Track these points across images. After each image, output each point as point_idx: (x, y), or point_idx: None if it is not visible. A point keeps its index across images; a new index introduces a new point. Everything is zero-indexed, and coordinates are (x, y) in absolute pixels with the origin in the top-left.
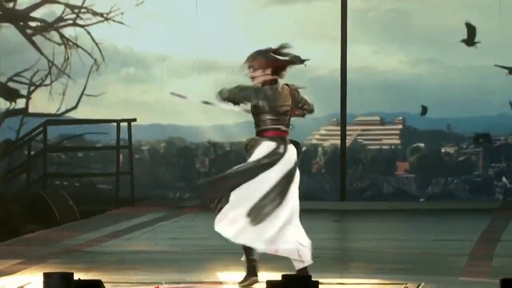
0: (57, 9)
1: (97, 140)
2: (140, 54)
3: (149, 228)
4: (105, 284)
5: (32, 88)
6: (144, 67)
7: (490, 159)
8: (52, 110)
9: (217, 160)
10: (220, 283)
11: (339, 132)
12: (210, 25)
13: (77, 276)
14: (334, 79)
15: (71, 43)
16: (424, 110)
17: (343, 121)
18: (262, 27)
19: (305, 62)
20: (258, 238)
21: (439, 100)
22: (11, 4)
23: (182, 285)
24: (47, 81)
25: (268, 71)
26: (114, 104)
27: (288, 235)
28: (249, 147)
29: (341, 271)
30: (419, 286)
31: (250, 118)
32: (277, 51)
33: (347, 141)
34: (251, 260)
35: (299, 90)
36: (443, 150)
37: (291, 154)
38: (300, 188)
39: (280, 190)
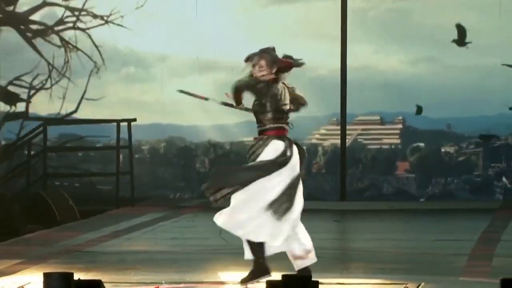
0: (57, 11)
1: (97, 140)
2: (140, 54)
3: (149, 228)
4: (105, 284)
5: (32, 91)
6: (144, 67)
7: (490, 159)
8: (52, 114)
9: (217, 160)
10: (220, 283)
11: (339, 132)
12: (210, 25)
13: (77, 276)
14: (334, 78)
15: (71, 46)
16: (419, 109)
17: (343, 121)
18: (262, 27)
19: (304, 65)
20: (278, 235)
21: (439, 99)
22: (11, 7)
23: (182, 285)
24: (47, 85)
25: (273, 70)
26: (114, 104)
27: (299, 235)
28: (258, 146)
29: (341, 271)
30: (419, 286)
31: (250, 118)
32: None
33: (347, 140)
34: (261, 258)
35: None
36: (443, 150)
37: (296, 154)
38: None
39: (292, 189)
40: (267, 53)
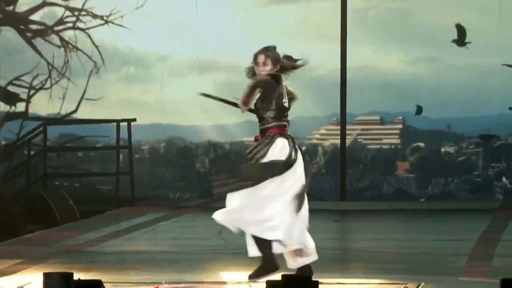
0: (57, 11)
1: (97, 140)
2: (140, 54)
3: (149, 228)
4: (105, 284)
5: (32, 91)
6: (144, 67)
7: (490, 159)
8: (52, 114)
9: (217, 160)
10: (220, 283)
11: (339, 132)
12: (210, 25)
13: (77, 276)
14: (334, 78)
15: (71, 46)
16: (419, 109)
17: (343, 121)
18: (262, 27)
19: (306, 63)
20: (294, 232)
21: (439, 99)
22: (11, 7)
23: (182, 285)
24: (47, 85)
25: (277, 68)
26: (114, 103)
27: (307, 234)
28: (263, 144)
29: (341, 271)
30: (419, 286)
31: (250, 118)
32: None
33: (347, 140)
34: (269, 253)
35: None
36: (443, 150)
37: (299, 152)
38: None
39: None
40: (271, 51)
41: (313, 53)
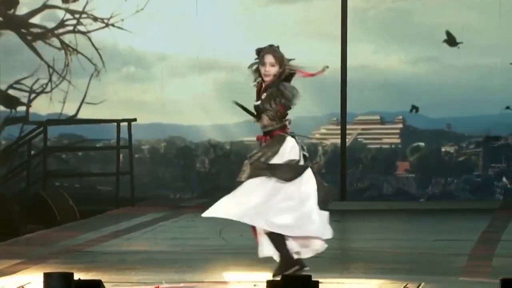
0: (57, 13)
1: (97, 140)
2: (140, 54)
3: (149, 228)
4: (105, 284)
5: (32, 95)
6: (144, 67)
7: (490, 159)
8: (53, 114)
9: (217, 160)
10: (221, 283)
11: (339, 132)
12: (210, 25)
13: (77, 276)
14: (334, 78)
15: (71, 49)
16: (416, 109)
17: (343, 121)
18: (262, 26)
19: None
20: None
21: (439, 99)
22: (11, 10)
23: (182, 285)
24: (48, 88)
25: (281, 70)
26: (114, 103)
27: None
28: (273, 144)
29: (341, 271)
30: (419, 286)
31: (250, 117)
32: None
33: (347, 140)
34: (287, 251)
35: None
36: (443, 150)
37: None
38: None
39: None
40: (278, 52)
41: (313, 53)
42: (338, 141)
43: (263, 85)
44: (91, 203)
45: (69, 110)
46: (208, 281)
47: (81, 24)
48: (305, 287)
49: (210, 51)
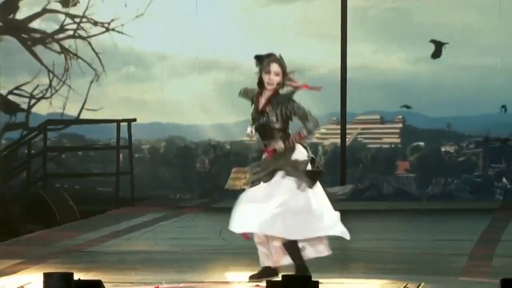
0: (57, 17)
1: (97, 139)
2: (140, 54)
3: (149, 228)
4: (105, 284)
5: (32, 101)
6: (144, 67)
7: (490, 160)
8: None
9: (217, 160)
10: (221, 283)
11: (339, 131)
12: (210, 24)
13: (77, 276)
14: (334, 78)
15: (71, 54)
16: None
17: (343, 120)
18: (262, 26)
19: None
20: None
21: (439, 99)
22: (11, 15)
23: (182, 285)
24: (48, 94)
25: (283, 80)
26: (114, 103)
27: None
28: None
29: (341, 271)
30: (419, 286)
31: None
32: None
33: (347, 140)
34: (302, 261)
35: None
36: (443, 149)
37: None
38: None
39: None
40: (282, 62)
41: (313, 53)
42: (338, 140)
43: (264, 95)
44: (91, 203)
45: (69, 111)
46: (208, 281)
47: (81, 28)
48: (305, 287)
49: (210, 51)
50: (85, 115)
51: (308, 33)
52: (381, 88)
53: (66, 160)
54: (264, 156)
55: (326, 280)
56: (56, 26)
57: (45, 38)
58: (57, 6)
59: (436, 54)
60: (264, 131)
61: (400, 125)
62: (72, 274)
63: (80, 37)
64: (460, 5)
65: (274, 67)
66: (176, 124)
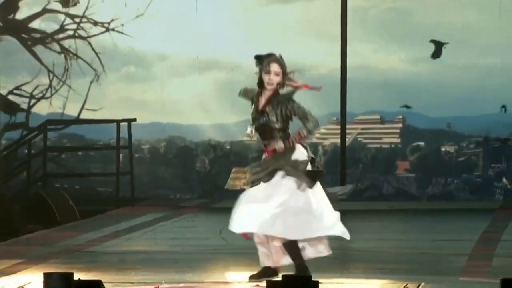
0: (57, 17)
1: (97, 139)
2: (140, 53)
3: (149, 228)
4: (105, 284)
5: (32, 101)
6: (144, 66)
7: (490, 160)
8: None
9: (217, 160)
10: (221, 283)
11: (339, 131)
12: (210, 24)
13: (77, 276)
14: (334, 77)
15: (71, 54)
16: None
17: (343, 120)
18: (262, 26)
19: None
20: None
21: (439, 99)
22: (11, 15)
23: (182, 285)
24: (48, 94)
25: (283, 80)
26: (114, 103)
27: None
28: (286, 152)
29: (341, 271)
30: (419, 286)
31: (250, 117)
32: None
33: (347, 140)
34: (302, 261)
35: None
36: (443, 149)
37: None
38: None
39: None
40: (283, 62)
41: (313, 52)
42: (338, 140)
43: (264, 95)
44: (91, 203)
45: (69, 112)
46: (208, 281)
47: (81, 28)
48: (305, 287)
49: (210, 50)
50: (85, 115)
51: (308, 33)
52: (381, 88)
53: (66, 160)
54: (264, 156)
55: (326, 280)
56: (56, 26)
57: (45, 38)
58: (57, 6)
59: (436, 54)
60: (264, 131)
61: (400, 125)
62: (72, 274)
63: (80, 37)
64: (460, 5)
65: (274, 67)
66: (176, 124)
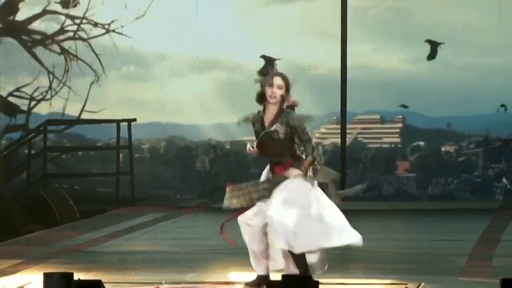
0: (58, 18)
1: (97, 140)
2: (140, 53)
3: (149, 228)
4: (105, 284)
5: (32, 103)
6: (144, 66)
7: (490, 160)
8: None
9: (217, 160)
10: (221, 283)
11: (339, 131)
12: (210, 24)
13: (77, 276)
14: (334, 77)
15: (71, 55)
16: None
17: (343, 120)
18: (262, 26)
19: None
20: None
21: (439, 98)
22: (11, 16)
23: (182, 285)
24: (48, 96)
25: (285, 95)
26: (115, 102)
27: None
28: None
29: (341, 271)
30: (419, 286)
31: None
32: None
33: (347, 140)
34: (306, 271)
35: None
36: (443, 149)
37: None
38: None
39: None
40: (286, 77)
41: (313, 52)
42: (338, 140)
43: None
44: (91, 203)
45: (70, 112)
46: (209, 281)
47: (82, 30)
48: (305, 287)
49: (210, 50)
50: (85, 116)
51: (308, 33)
52: (381, 88)
53: (66, 160)
54: (268, 170)
55: (326, 280)
56: (56, 27)
57: (45, 40)
58: (57, 7)
59: (432, 55)
60: (272, 145)
61: (400, 125)
62: (72, 274)
63: (80, 38)
64: (460, 5)
65: (277, 80)
66: (176, 124)
